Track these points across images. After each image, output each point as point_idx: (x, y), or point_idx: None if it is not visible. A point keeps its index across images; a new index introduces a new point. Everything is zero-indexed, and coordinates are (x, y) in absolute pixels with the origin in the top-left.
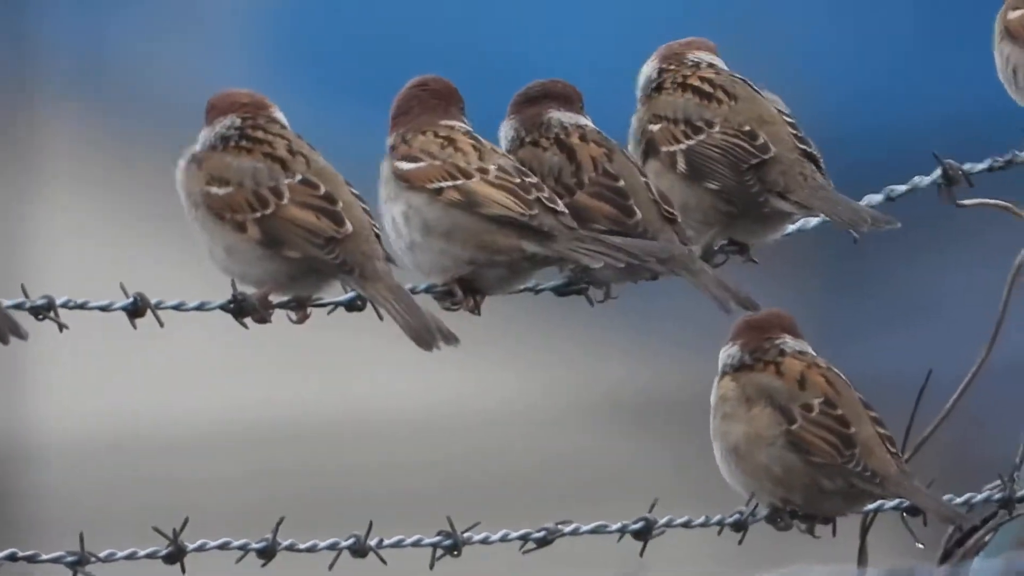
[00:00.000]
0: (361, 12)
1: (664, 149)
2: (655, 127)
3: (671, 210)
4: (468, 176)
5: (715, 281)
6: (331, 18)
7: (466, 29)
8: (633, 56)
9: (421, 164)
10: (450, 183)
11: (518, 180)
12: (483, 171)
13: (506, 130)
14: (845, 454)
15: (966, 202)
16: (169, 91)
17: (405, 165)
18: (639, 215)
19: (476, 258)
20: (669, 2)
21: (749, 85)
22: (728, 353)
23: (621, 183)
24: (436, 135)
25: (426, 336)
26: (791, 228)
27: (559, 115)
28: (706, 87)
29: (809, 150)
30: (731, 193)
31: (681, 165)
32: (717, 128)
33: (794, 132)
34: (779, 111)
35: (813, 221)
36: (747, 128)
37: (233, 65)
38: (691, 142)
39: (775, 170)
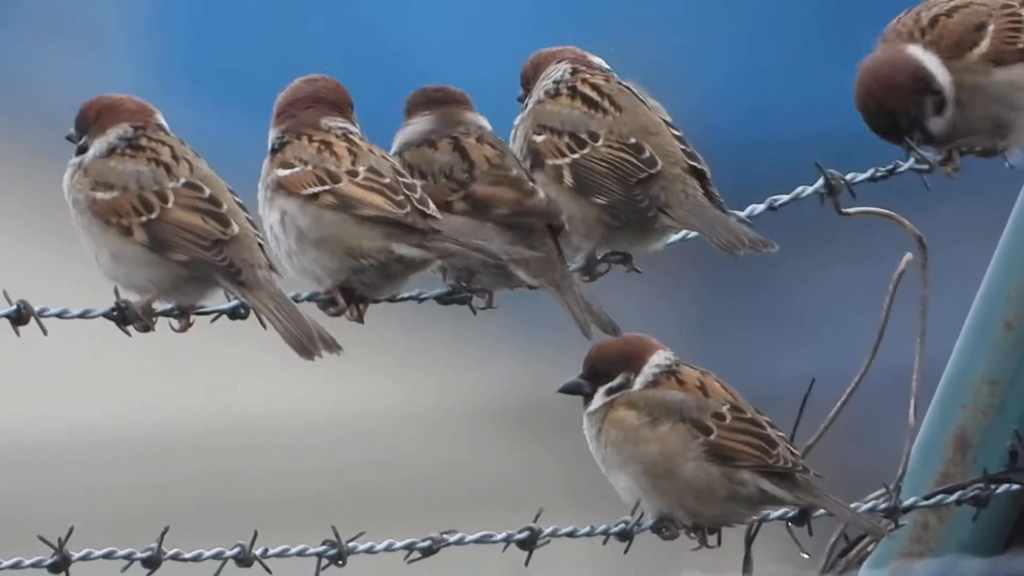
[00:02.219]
0: (247, 19)
1: (550, 162)
2: (539, 138)
3: (559, 220)
4: (336, 180)
5: (580, 302)
6: (216, 24)
7: (356, 36)
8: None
9: (295, 170)
10: (321, 188)
11: (387, 180)
12: (352, 174)
13: (416, 129)
14: (772, 454)
15: (849, 211)
16: (53, 97)
17: (280, 171)
18: (541, 195)
19: (348, 265)
20: (547, 7)
21: (634, 94)
22: (611, 386)
23: (515, 172)
24: (311, 139)
25: (307, 344)
26: (674, 238)
27: (469, 116)
28: (594, 95)
29: (696, 164)
30: (619, 207)
31: (568, 179)
32: (602, 141)
33: (681, 145)
34: (664, 121)
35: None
36: (632, 141)
37: (115, 70)
38: (576, 156)
39: (657, 185)
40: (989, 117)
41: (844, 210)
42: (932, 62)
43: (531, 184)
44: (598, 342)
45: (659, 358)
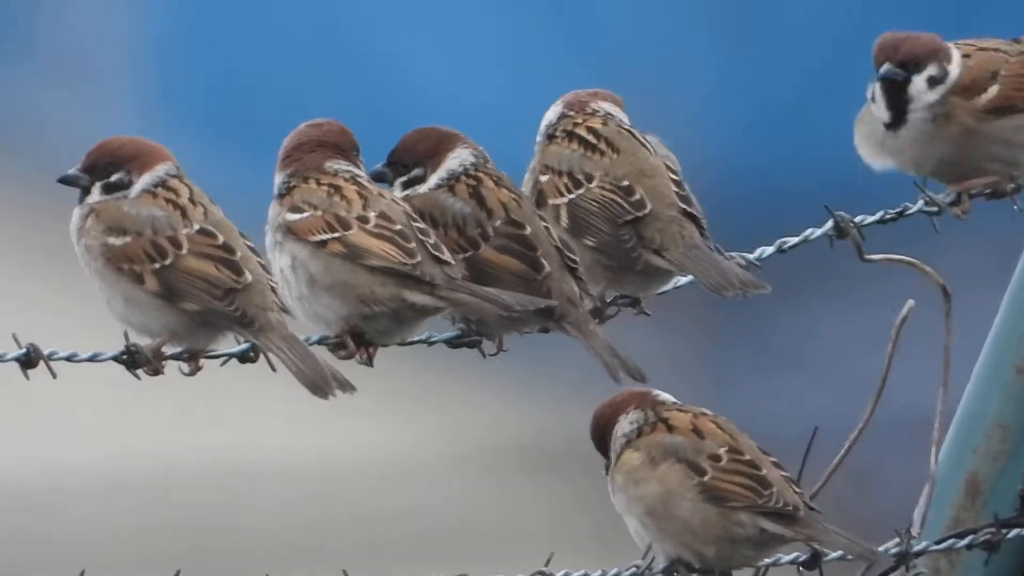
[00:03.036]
0: (250, 60)
1: (551, 202)
2: (544, 178)
3: (573, 258)
4: (347, 227)
5: (606, 346)
6: (220, 67)
7: (358, 77)
8: (516, 99)
9: (304, 215)
10: (331, 235)
11: (399, 227)
12: (363, 220)
13: (453, 163)
14: (764, 494)
15: (873, 257)
16: (59, 137)
17: (290, 216)
18: (547, 268)
19: (359, 311)
20: (554, 46)
21: (636, 138)
22: (622, 431)
23: (527, 231)
24: (319, 183)
25: (321, 384)
26: (683, 281)
27: (471, 153)
28: (591, 138)
29: (690, 209)
30: (608, 248)
31: (564, 219)
32: (596, 183)
33: (677, 189)
34: (667, 166)
35: None
36: (625, 183)
37: (119, 112)
38: (572, 196)
39: (652, 227)
40: (994, 158)
41: (867, 256)
42: (957, 56)
43: (542, 260)
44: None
45: (635, 416)
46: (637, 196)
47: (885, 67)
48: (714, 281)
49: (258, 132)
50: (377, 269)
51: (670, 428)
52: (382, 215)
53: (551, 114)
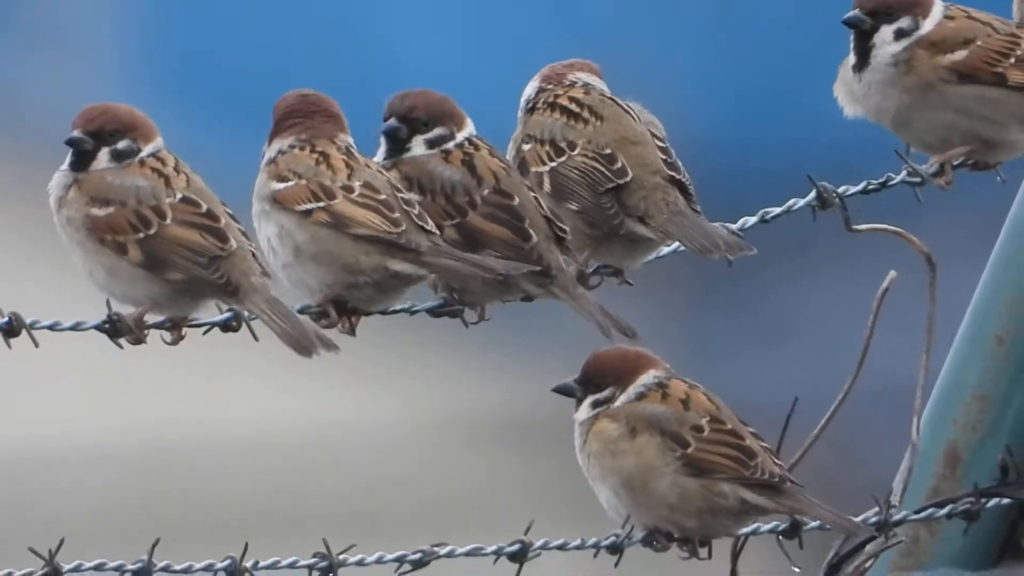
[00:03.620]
0: (236, 33)
1: (533, 170)
2: (527, 147)
3: (563, 227)
4: (332, 196)
5: (596, 307)
6: (201, 39)
7: (345, 52)
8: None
9: (289, 184)
10: (316, 204)
11: (383, 197)
12: (348, 189)
13: (438, 134)
14: (750, 465)
15: (859, 227)
16: (42, 109)
17: (276, 185)
18: (535, 238)
19: (344, 280)
20: (547, 21)
21: (619, 105)
22: (597, 398)
23: (516, 201)
24: (313, 150)
25: (305, 343)
26: (665, 251)
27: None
28: (573, 107)
29: (677, 176)
30: (590, 214)
31: (547, 185)
32: (578, 150)
33: (664, 156)
34: (652, 133)
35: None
36: (607, 151)
37: (104, 83)
38: (554, 163)
39: (636, 195)
40: (952, 126)
41: (854, 227)
42: (937, 13)
43: (530, 229)
44: (600, 350)
45: (649, 377)
46: (619, 164)
47: (852, 12)
48: (699, 244)
49: (238, 103)
50: (362, 238)
51: (665, 396)
52: (366, 184)
53: (530, 88)
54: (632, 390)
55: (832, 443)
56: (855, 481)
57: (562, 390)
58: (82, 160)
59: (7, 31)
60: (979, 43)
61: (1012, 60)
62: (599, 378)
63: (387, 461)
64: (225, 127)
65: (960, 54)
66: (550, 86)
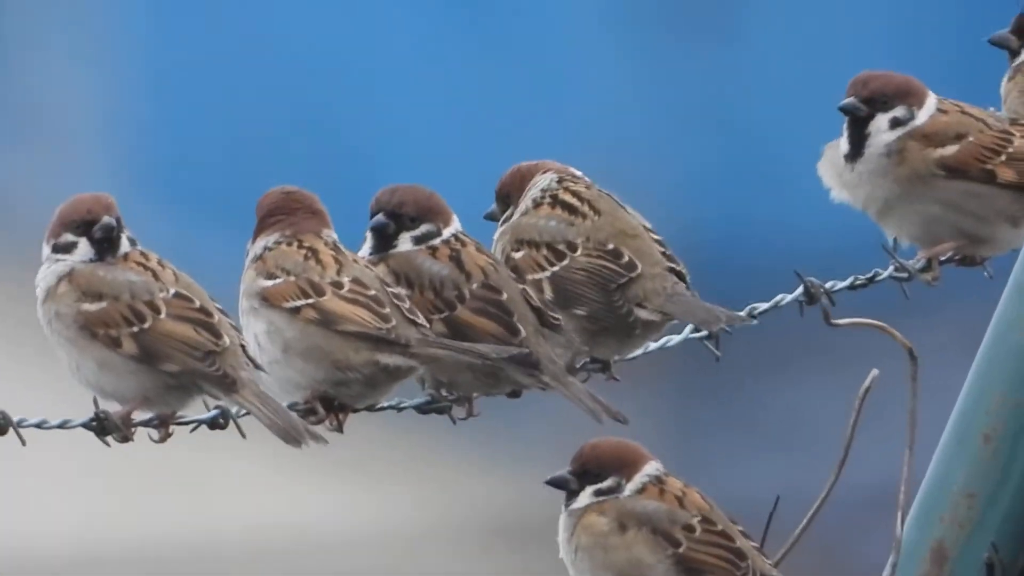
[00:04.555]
0: (218, 128)
1: (530, 277)
2: (518, 254)
3: (555, 315)
4: (321, 292)
5: (587, 393)
6: (185, 134)
7: (326, 147)
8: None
9: (278, 281)
10: (304, 301)
11: (372, 292)
12: (336, 285)
13: (425, 230)
14: (741, 566)
15: (839, 322)
16: (24, 205)
17: (264, 282)
18: (523, 332)
19: (333, 376)
20: (532, 113)
21: (613, 199)
22: (600, 487)
23: (504, 296)
24: (300, 245)
25: (294, 434)
26: (653, 346)
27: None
28: (574, 201)
29: (675, 267)
30: (598, 316)
31: (548, 292)
32: (580, 250)
33: (661, 248)
34: (644, 226)
35: (675, 339)
36: (611, 247)
37: (86, 179)
38: (556, 268)
39: (637, 285)
40: (939, 219)
41: (834, 321)
42: (931, 105)
43: (518, 324)
44: (591, 441)
45: (651, 468)
46: (626, 258)
47: (848, 100)
48: (701, 318)
49: (222, 201)
50: (351, 335)
51: (662, 492)
52: (356, 280)
53: (544, 180)
54: (638, 479)
55: (818, 540)
56: None
57: (556, 482)
58: (65, 250)
59: None
60: (971, 138)
61: (1003, 157)
62: (599, 468)
63: (373, 559)
64: (210, 223)
65: (951, 149)
66: (566, 178)
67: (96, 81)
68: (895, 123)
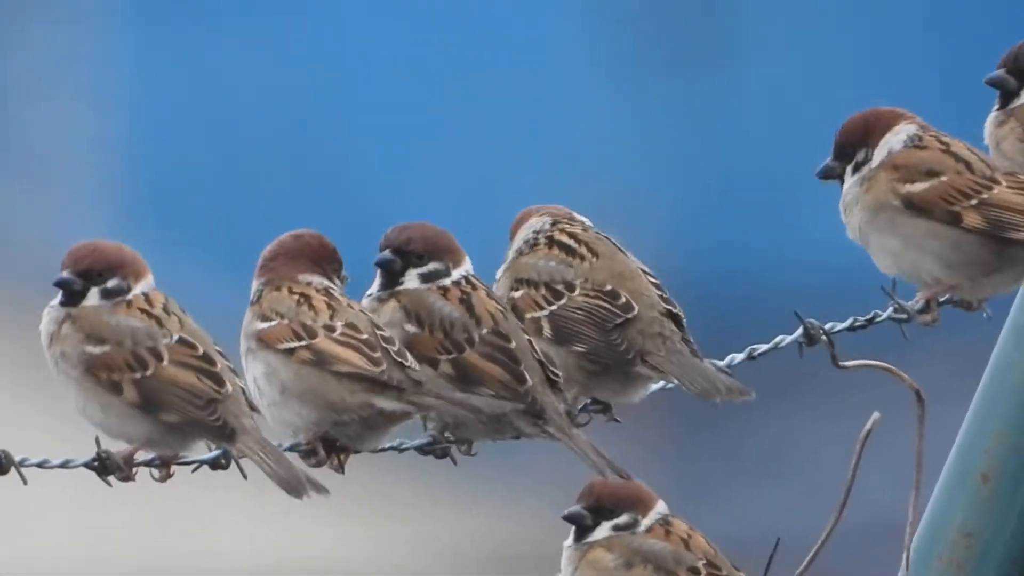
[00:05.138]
0: (213, 165)
1: (529, 316)
2: (517, 293)
3: (555, 371)
4: (313, 335)
5: (591, 447)
6: (186, 170)
7: (328, 181)
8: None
9: (272, 323)
10: (298, 343)
11: (365, 336)
12: (329, 329)
13: (433, 268)
14: None
15: (847, 364)
16: (25, 249)
17: (260, 324)
18: (530, 381)
19: (330, 418)
20: (527, 151)
21: (612, 242)
22: (617, 523)
23: (512, 344)
24: (291, 291)
25: (296, 485)
26: (654, 387)
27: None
28: (572, 243)
29: (672, 309)
30: (598, 354)
31: (547, 331)
32: (578, 291)
33: (658, 291)
34: (641, 269)
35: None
36: (608, 287)
37: (85, 218)
38: (553, 307)
39: (634, 328)
40: (897, 253)
41: (842, 364)
42: (904, 133)
43: (526, 373)
44: (599, 480)
45: (660, 507)
46: (623, 299)
47: (837, 138)
48: (701, 388)
49: (221, 238)
50: (345, 376)
51: (668, 533)
52: (348, 324)
53: (538, 223)
54: (653, 515)
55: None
56: None
57: (572, 518)
58: (72, 299)
59: None
60: (944, 178)
61: (974, 202)
62: (614, 504)
63: None
64: (212, 262)
65: (919, 185)
66: (560, 221)
67: (88, 120)
68: (856, 167)
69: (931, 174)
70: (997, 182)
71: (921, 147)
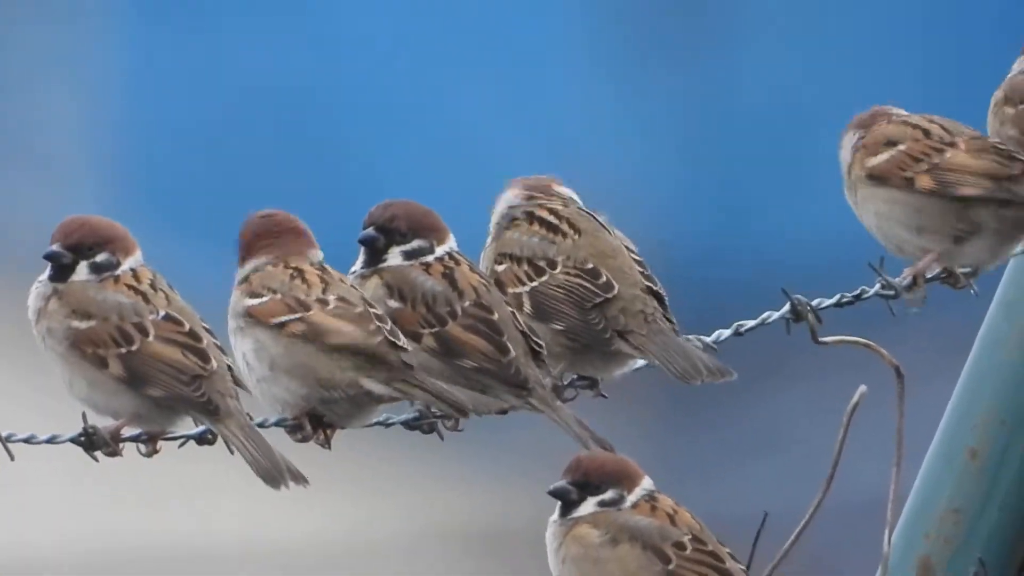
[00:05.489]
0: (204, 147)
1: (511, 290)
2: (501, 267)
3: (539, 342)
4: (307, 308)
5: (574, 419)
6: (174, 152)
7: (317, 164)
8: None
9: (264, 299)
10: (291, 316)
11: (359, 310)
12: (322, 302)
13: (416, 245)
14: None
15: (826, 339)
16: (18, 232)
17: (250, 301)
18: (512, 353)
19: (318, 394)
20: (519, 132)
21: (596, 220)
22: (603, 499)
23: (495, 316)
24: (286, 266)
25: (275, 475)
26: (641, 363)
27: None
28: (552, 219)
29: (654, 288)
30: (576, 332)
31: (527, 306)
32: (559, 268)
33: (640, 269)
34: (626, 247)
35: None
36: (589, 266)
37: (76, 199)
38: (535, 283)
39: (615, 306)
40: (874, 227)
41: (821, 339)
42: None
43: (508, 344)
44: (586, 454)
45: (646, 483)
46: (603, 278)
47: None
48: (680, 368)
49: (219, 230)
50: (336, 352)
51: (653, 508)
52: (341, 299)
53: (512, 197)
54: (639, 491)
55: (803, 555)
56: None
57: (557, 493)
58: (61, 273)
59: None
60: (901, 147)
61: (925, 167)
62: (600, 480)
63: (361, 572)
64: (205, 245)
65: (880, 157)
66: (536, 196)
67: (88, 116)
68: (846, 148)
69: (889, 144)
70: (954, 146)
71: (890, 122)
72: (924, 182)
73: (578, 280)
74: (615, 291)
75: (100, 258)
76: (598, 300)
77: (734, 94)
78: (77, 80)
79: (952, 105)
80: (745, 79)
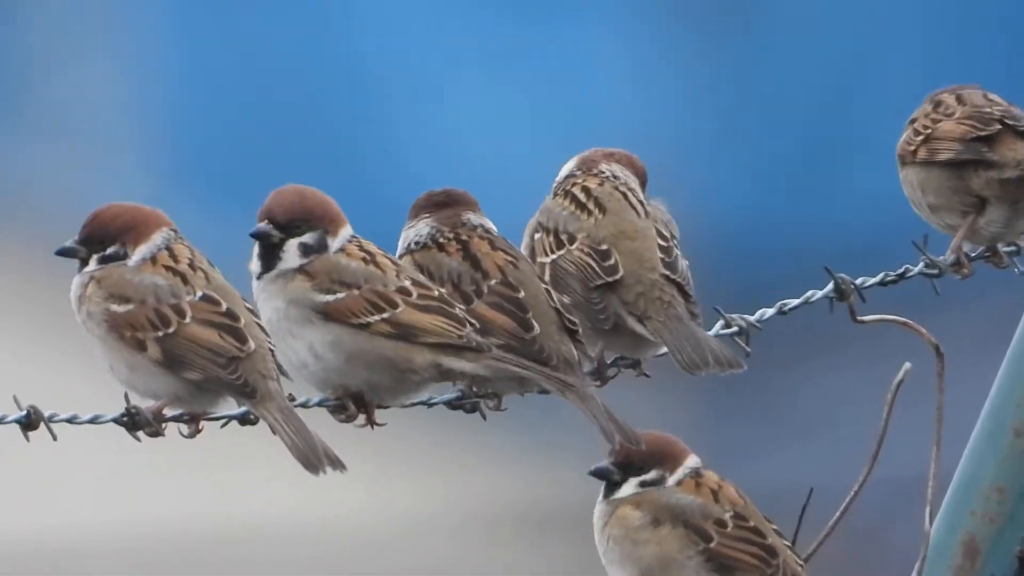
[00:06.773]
0: (247, 122)
1: (539, 260)
2: (537, 236)
3: (573, 319)
4: (393, 304)
5: (603, 411)
6: (214, 129)
7: (350, 135)
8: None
9: (340, 296)
10: (378, 316)
11: (437, 294)
12: (403, 291)
13: (419, 230)
14: (772, 564)
15: (865, 318)
16: (55, 203)
17: (323, 297)
18: (537, 329)
19: (392, 378)
20: (564, 118)
21: (627, 200)
22: (644, 479)
23: (521, 294)
24: (360, 248)
25: (313, 460)
26: (664, 349)
27: (473, 216)
28: (582, 196)
29: (673, 276)
30: (580, 309)
31: (547, 277)
32: (576, 244)
33: (663, 255)
34: (658, 231)
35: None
36: (604, 247)
37: (116, 176)
38: (555, 256)
39: (633, 291)
40: (924, 210)
41: (860, 318)
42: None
43: (532, 321)
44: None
45: (691, 461)
46: (611, 261)
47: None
48: (687, 358)
49: (255, 192)
50: (423, 343)
51: (698, 485)
52: (417, 283)
53: (565, 169)
54: (681, 471)
55: (848, 531)
56: (873, 574)
57: (599, 473)
58: (81, 264)
59: (20, 122)
60: (915, 125)
61: (921, 139)
62: (643, 460)
63: (404, 553)
64: (238, 218)
65: (902, 137)
66: (580, 172)
67: (119, 78)
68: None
69: (910, 122)
70: (951, 116)
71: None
72: (921, 153)
73: (588, 259)
74: (619, 275)
75: (110, 251)
76: (599, 282)
77: (780, 63)
78: (115, 48)
79: (1007, 73)
80: (792, 46)
